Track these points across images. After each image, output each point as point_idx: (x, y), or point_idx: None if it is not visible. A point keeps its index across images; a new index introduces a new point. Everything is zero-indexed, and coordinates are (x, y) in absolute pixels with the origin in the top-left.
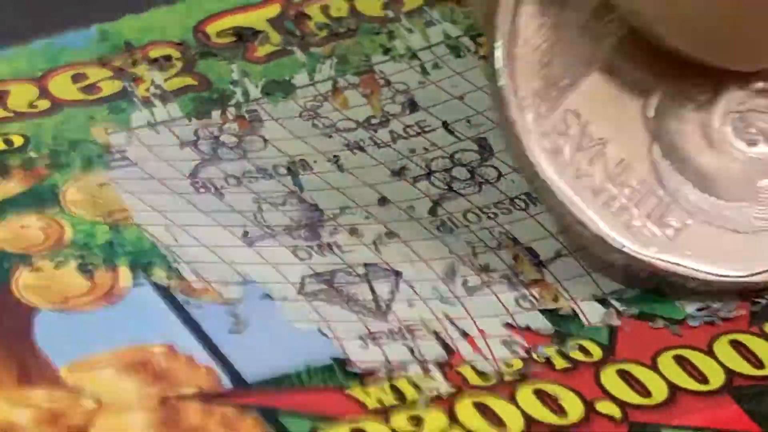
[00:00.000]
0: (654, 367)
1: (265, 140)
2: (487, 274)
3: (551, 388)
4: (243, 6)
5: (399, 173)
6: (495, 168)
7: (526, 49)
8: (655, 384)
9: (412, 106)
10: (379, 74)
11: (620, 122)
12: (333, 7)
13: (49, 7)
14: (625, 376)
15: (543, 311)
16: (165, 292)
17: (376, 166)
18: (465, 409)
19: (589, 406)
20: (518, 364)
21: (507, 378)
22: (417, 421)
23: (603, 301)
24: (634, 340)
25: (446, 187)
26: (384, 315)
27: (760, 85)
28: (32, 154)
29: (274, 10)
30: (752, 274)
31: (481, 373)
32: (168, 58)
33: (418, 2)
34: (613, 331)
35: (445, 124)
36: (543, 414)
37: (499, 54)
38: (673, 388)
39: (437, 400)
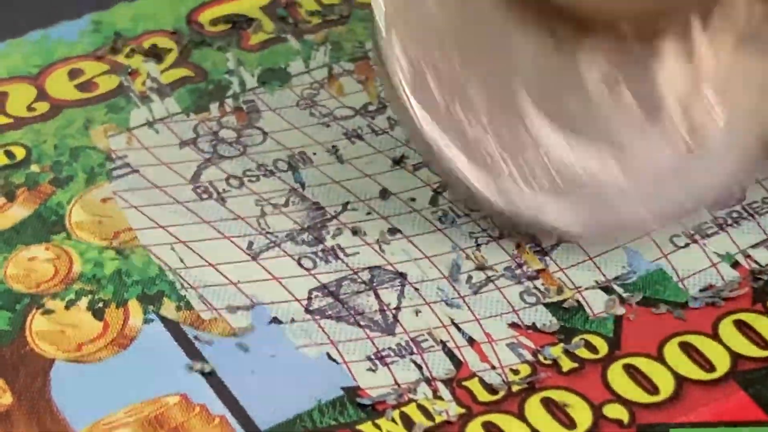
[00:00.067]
0: (660, 358)
1: (264, 133)
2: (491, 268)
3: (559, 395)
4: None
5: (399, 161)
6: None
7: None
8: (662, 377)
9: None
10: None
11: (491, 70)
12: None
13: None
14: (632, 372)
15: (548, 305)
16: (175, 329)
17: (375, 154)
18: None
19: (597, 411)
20: (525, 370)
21: (515, 388)
22: None
23: (606, 289)
24: (639, 330)
25: None
26: (391, 328)
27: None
28: (35, 168)
29: None
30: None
31: (488, 387)
32: (162, 49)
33: None
34: (617, 321)
35: None
36: (552, 428)
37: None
38: (680, 380)
39: (446, 425)
